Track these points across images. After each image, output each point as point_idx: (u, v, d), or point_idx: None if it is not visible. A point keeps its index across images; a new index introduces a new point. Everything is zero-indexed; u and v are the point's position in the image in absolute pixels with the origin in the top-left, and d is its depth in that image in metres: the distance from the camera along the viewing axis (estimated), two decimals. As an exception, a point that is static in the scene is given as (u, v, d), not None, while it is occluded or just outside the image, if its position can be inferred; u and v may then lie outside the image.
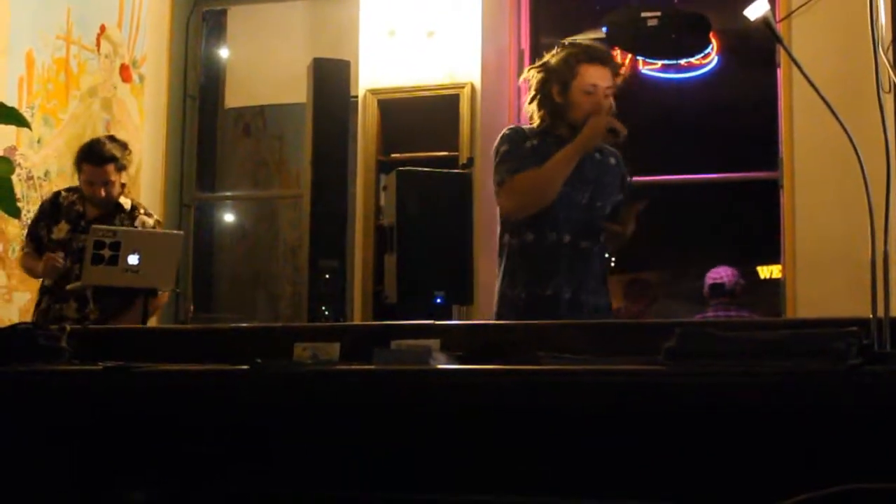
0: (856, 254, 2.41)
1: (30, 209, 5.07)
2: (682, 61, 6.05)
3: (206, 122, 7.00)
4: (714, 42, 6.05)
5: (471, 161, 5.65)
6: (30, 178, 5.56)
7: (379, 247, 5.57)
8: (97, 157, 4.47)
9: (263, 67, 6.70)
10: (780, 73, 5.56)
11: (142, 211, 4.60)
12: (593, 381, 2.09)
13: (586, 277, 3.41)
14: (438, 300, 3.32)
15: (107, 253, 3.85)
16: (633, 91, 3.57)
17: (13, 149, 5.44)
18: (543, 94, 3.47)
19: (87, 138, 5.77)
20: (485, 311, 5.27)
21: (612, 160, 3.55)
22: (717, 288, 5.62)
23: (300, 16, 6.66)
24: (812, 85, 2.23)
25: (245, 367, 2.34)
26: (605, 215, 3.46)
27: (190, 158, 6.81)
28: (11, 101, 5.02)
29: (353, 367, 2.34)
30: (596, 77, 3.40)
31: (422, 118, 5.87)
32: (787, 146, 5.46)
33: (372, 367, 2.30)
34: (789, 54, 2.54)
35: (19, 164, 5.43)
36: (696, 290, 6.14)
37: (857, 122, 2.18)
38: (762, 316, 5.84)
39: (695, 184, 5.87)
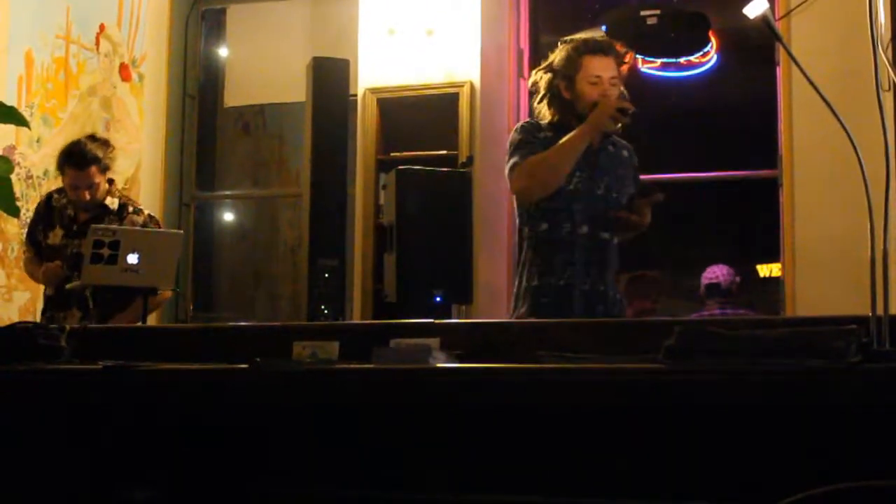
0: (855, 252, 2.41)
1: (29, 208, 5.07)
2: (682, 60, 6.05)
3: (206, 122, 7.00)
4: (713, 40, 6.05)
5: (470, 160, 5.64)
6: (29, 177, 5.56)
7: (378, 246, 5.57)
8: (79, 159, 4.40)
9: (263, 66, 6.69)
10: (779, 71, 5.56)
11: (131, 209, 4.54)
12: (593, 381, 2.09)
13: (603, 269, 3.44)
14: (438, 299, 3.32)
15: (106, 252, 3.84)
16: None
17: (12, 148, 5.44)
18: (552, 93, 3.51)
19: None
20: (484, 310, 5.29)
21: (625, 153, 3.60)
22: (714, 287, 5.62)
23: (299, 15, 6.65)
24: (811, 83, 2.23)
25: (245, 366, 2.34)
26: (620, 206, 3.49)
27: (189, 157, 6.81)
28: (11, 101, 5.03)
29: (352, 366, 2.34)
30: (599, 67, 3.45)
31: (421, 117, 5.87)
32: (786, 144, 5.46)
33: (371, 365, 2.30)
34: (788, 53, 2.54)
35: (18, 164, 5.43)
36: (695, 289, 6.14)
37: (856, 120, 2.18)
38: (761, 314, 5.83)
39: (694, 182, 5.87)
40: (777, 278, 5.75)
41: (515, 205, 3.62)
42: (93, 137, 4.60)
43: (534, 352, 2.32)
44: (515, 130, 3.57)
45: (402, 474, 2.17)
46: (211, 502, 2.31)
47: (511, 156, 3.49)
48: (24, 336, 2.66)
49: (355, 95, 5.82)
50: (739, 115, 6.12)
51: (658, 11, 5.86)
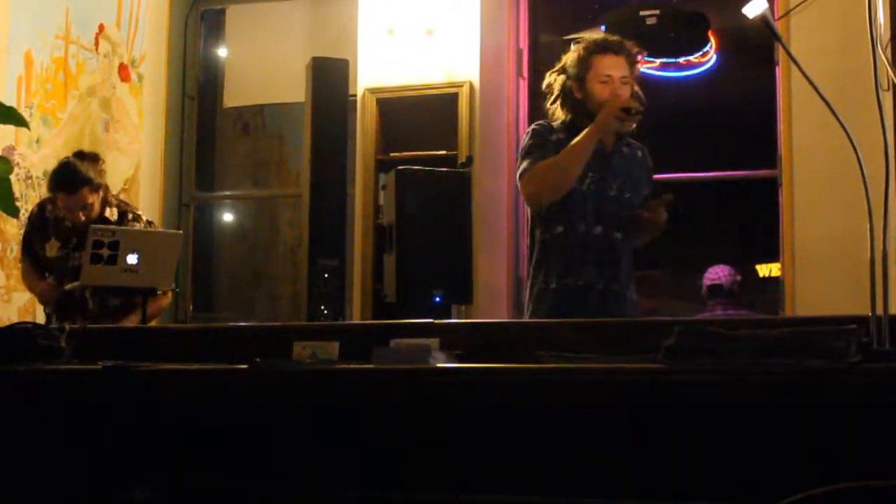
0: (855, 252, 2.41)
1: (28, 209, 5.06)
2: (681, 60, 6.05)
3: (205, 122, 7.00)
4: (713, 40, 6.05)
5: (470, 160, 5.64)
6: (28, 177, 5.56)
7: (378, 246, 5.57)
8: (69, 184, 4.30)
9: (262, 66, 6.69)
10: (778, 71, 5.56)
11: (130, 216, 4.48)
12: (593, 381, 2.09)
13: (617, 269, 3.45)
14: (437, 299, 3.32)
15: (105, 252, 3.84)
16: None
17: (12, 148, 5.44)
18: (564, 94, 3.53)
19: (85, 138, 5.81)
20: (484, 310, 5.29)
21: (640, 153, 3.60)
22: (716, 289, 5.61)
23: (299, 15, 6.65)
24: (811, 83, 2.23)
25: (244, 366, 2.34)
26: (634, 207, 3.49)
27: (189, 158, 6.81)
28: (10, 101, 5.03)
29: (352, 366, 2.34)
30: (609, 66, 3.45)
31: (421, 117, 5.87)
32: (785, 144, 5.46)
33: (371, 366, 2.30)
34: (788, 52, 2.54)
35: (18, 164, 5.43)
36: (695, 289, 6.14)
37: (855, 120, 2.18)
38: (761, 314, 5.83)
39: (693, 182, 5.87)
40: (777, 278, 5.75)
41: (528, 208, 3.63)
42: (81, 154, 4.49)
43: (533, 352, 2.32)
44: (527, 134, 3.58)
45: (402, 474, 2.17)
46: (211, 502, 2.31)
47: (521, 161, 3.50)
48: (23, 336, 2.66)
49: (355, 95, 5.82)
50: (739, 115, 6.11)
51: (657, 11, 5.86)
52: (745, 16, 2.30)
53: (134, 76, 6.36)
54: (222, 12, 6.92)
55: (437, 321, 2.74)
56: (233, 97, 6.87)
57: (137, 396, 2.41)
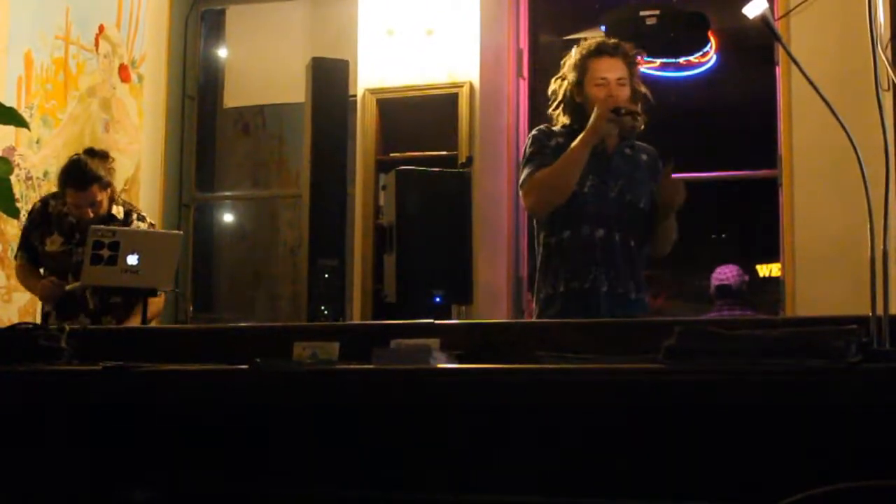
0: (855, 252, 2.41)
1: (28, 209, 5.06)
2: (681, 60, 6.05)
3: (205, 122, 7.00)
4: (713, 40, 6.05)
5: (470, 160, 5.64)
6: (28, 178, 5.57)
7: (378, 246, 5.57)
8: (79, 180, 4.32)
9: (262, 67, 6.69)
10: (778, 71, 5.56)
11: (135, 216, 4.50)
12: (593, 381, 2.09)
13: (622, 270, 3.44)
14: (437, 299, 3.32)
15: (106, 253, 3.84)
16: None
17: (12, 149, 5.44)
18: (565, 99, 3.54)
19: (85, 138, 5.80)
20: (484, 311, 5.29)
21: (645, 156, 3.60)
22: (724, 289, 5.60)
23: (299, 15, 6.65)
24: (811, 83, 2.23)
25: (245, 366, 2.34)
26: (638, 209, 3.49)
27: (189, 158, 6.81)
28: (10, 102, 5.03)
29: (352, 366, 2.34)
30: (605, 69, 3.47)
31: (421, 117, 5.87)
32: (785, 144, 5.46)
33: (371, 366, 2.30)
34: (788, 52, 2.54)
35: (18, 165, 5.43)
36: (695, 289, 6.14)
37: (855, 120, 2.18)
38: (761, 314, 5.83)
39: (693, 182, 5.83)
40: (777, 278, 5.75)
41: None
42: (91, 151, 4.52)
43: (533, 352, 2.32)
44: (529, 139, 3.59)
45: (402, 474, 2.17)
46: (211, 502, 2.31)
47: (522, 170, 3.52)
48: (24, 337, 2.66)
49: (355, 96, 5.82)
50: (739, 115, 6.11)
51: (657, 11, 5.86)
52: (745, 16, 2.30)
53: (134, 77, 6.36)
54: (222, 13, 6.92)
55: (437, 321, 2.74)
56: (233, 97, 6.87)
57: (138, 397, 2.41)
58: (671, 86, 6.08)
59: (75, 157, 4.47)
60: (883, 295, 2.03)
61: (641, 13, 5.87)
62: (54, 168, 5.39)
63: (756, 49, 5.85)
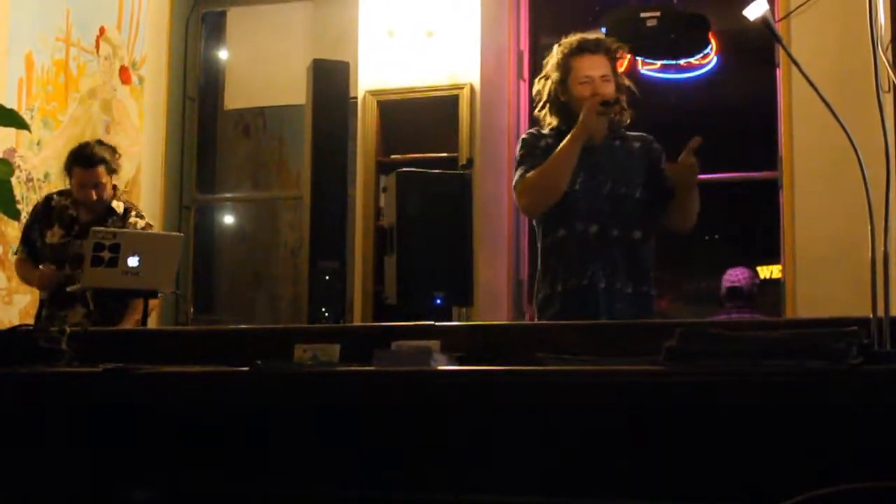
0: (855, 253, 2.41)
1: (29, 211, 5.07)
2: (682, 61, 6.05)
3: (206, 124, 7.00)
4: (713, 42, 6.04)
5: (470, 162, 5.64)
6: (29, 179, 5.57)
7: (379, 248, 5.57)
8: (86, 159, 4.48)
9: (263, 69, 6.69)
10: (779, 72, 5.56)
11: (133, 213, 4.59)
12: (593, 381, 2.09)
13: (620, 266, 3.42)
14: (438, 301, 3.32)
15: (106, 255, 3.84)
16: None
17: (13, 151, 5.44)
18: (550, 98, 3.54)
19: (86, 140, 5.79)
20: (484, 312, 5.29)
21: (637, 145, 3.57)
22: (735, 291, 5.58)
23: (299, 17, 6.65)
24: (811, 85, 2.23)
25: (245, 368, 2.34)
26: (634, 201, 3.47)
27: (190, 160, 6.81)
28: (11, 103, 5.03)
29: (353, 368, 2.34)
30: (588, 67, 3.47)
31: (421, 119, 5.87)
32: (786, 146, 5.46)
33: (372, 368, 2.30)
34: (788, 54, 2.54)
35: (19, 166, 5.44)
36: (696, 290, 6.14)
37: (856, 121, 2.18)
38: (763, 316, 5.82)
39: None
40: (777, 280, 5.75)
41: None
42: (100, 142, 4.70)
43: (534, 354, 2.32)
44: (519, 143, 3.59)
45: (403, 475, 2.16)
46: (211, 503, 2.31)
47: (515, 172, 3.52)
48: (24, 339, 2.66)
49: (355, 97, 5.82)
50: (739, 116, 6.11)
51: (658, 13, 5.86)
52: (745, 17, 2.30)
53: (135, 78, 6.36)
54: (223, 14, 6.92)
55: (437, 323, 2.74)
56: (233, 99, 6.87)
57: (138, 398, 2.41)
58: (672, 87, 6.08)
59: (84, 142, 4.69)
60: (884, 296, 2.03)
61: (642, 14, 5.87)
62: (55, 170, 5.41)
63: (756, 51, 5.85)
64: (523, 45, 6.12)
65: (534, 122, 3.65)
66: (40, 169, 5.62)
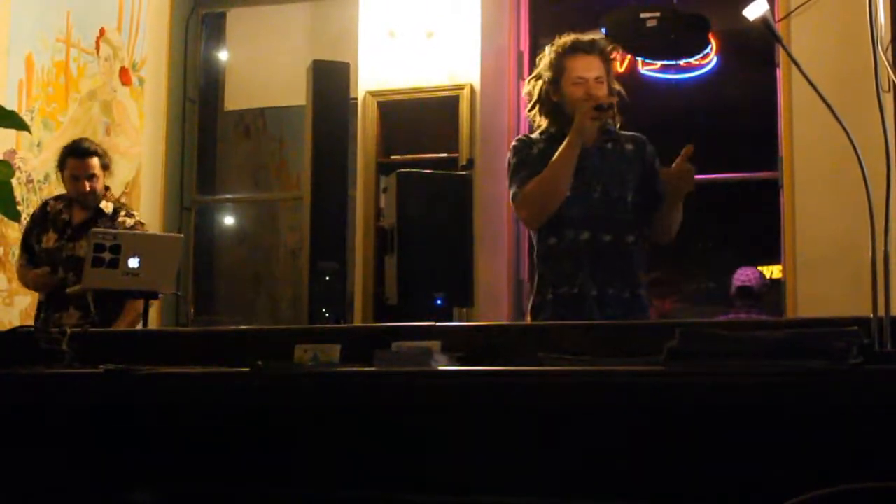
0: (856, 253, 2.41)
1: (29, 213, 5.07)
2: (682, 62, 6.05)
3: (206, 125, 7.00)
4: (713, 42, 6.04)
5: (471, 163, 5.65)
6: (30, 181, 5.57)
7: (379, 248, 5.57)
8: (80, 150, 4.59)
9: (263, 70, 6.70)
10: (779, 73, 5.56)
11: (123, 212, 4.64)
12: (593, 381, 2.09)
13: (612, 272, 3.37)
14: (438, 302, 3.32)
15: (107, 256, 3.84)
16: (631, 91, 3.55)
17: (13, 152, 5.44)
18: (541, 99, 3.48)
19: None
20: (485, 313, 5.29)
21: (630, 146, 3.49)
22: (745, 290, 5.57)
23: (299, 18, 6.66)
24: (812, 85, 2.23)
25: (246, 369, 2.34)
26: (627, 204, 3.42)
27: (190, 161, 6.81)
28: (11, 105, 5.04)
29: (353, 368, 2.34)
30: (582, 68, 3.41)
31: (422, 120, 5.88)
32: (786, 146, 5.46)
33: (373, 368, 2.30)
34: (789, 54, 2.54)
35: (19, 168, 5.44)
36: (696, 291, 6.14)
37: (856, 121, 2.18)
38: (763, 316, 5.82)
39: (694, 184, 5.86)
40: (778, 280, 5.75)
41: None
42: (92, 141, 4.81)
43: (535, 354, 2.32)
44: (510, 152, 3.51)
45: (402, 475, 2.16)
46: (211, 503, 2.31)
47: (510, 183, 3.45)
48: (25, 340, 2.66)
49: (355, 98, 5.82)
50: (740, 116, 6.11)
51: (658, 13, 5.85)
52: (745, 18, 2.30)
53: (135, 80, 6.36)
54: (223, 16, 6.93)
55: (438, 324, 2.74)
56: (234, 100, 6.88)
57: (138, 399, 2.41)
58: (672, 88, 6.08)
59: (77, 138, 4.82)
60: (884, 296, 2.03)
61: (642, 15, 5.86)
62: (55, 171, 5.41)
63: (757, 51, 5.85)
64: (523, 45, 6.13)
65: (532, 124, 3.62)
66: (40, 170, 5.62)
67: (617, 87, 3.48)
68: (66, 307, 4.43)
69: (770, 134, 5.60)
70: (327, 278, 4.65)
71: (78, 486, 2.39)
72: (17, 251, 5.23)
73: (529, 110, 3.55)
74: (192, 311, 6.67)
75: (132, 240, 4.00)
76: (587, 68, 3.41)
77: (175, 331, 5.15)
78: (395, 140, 5.95)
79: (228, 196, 7.21)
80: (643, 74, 6.02)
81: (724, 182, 6.02)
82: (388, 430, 2.19)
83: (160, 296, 4.30)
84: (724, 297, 5.81)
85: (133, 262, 3.85)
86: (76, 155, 4.57)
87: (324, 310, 4.57)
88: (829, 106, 2.18)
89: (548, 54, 3.50)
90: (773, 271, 6.07)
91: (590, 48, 3.45)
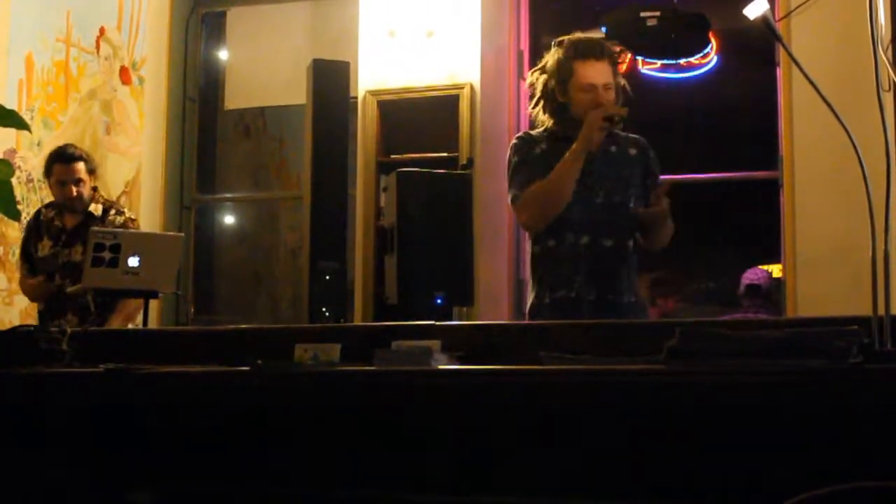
0: (856, 252, 2.41)
1: (30, 212, 5.08)
2: (682, 61, 6.04)
3: (206, 124, 7.00)
4: (713, 41, 6.04)
5: (471, 162, 5.64)
6: (30, 180, 5.57)
7: (379, 248, 5.57)
8: (66, 156, 4.60)
9: (263, 69, 6.70)
10: (779, 72, 5.56)
11: (113, 211, 4.66)
12: (593, 381, 2.09)
13: (611, 277, 3.35)
14: (439, 301, 3.32)
15: (107, 255, 3.84)
16: (632, 91, 3.54)
17: (13, 151, 5.44)
18: (546, 96, 3.44)
19: (86, 141, 5.82)
20: (485, 312, 5.29)
21: (633, 150, 3.47)
22: (754, 289, 5.57)
23: (299, 17, 6.66)
24: (812, 84, 2.23)
25: (246, 368, 2.34)
26: (628, 209, 3.39)
27: (190, 160, 6.81)
28: (11, 104, 5.03)
29: (353, 368, 2.34)
30: (591, 74, 3.36)
31: (421, 119, 5.87)
32: (786, 145, 5.46)
33: (372, 368, 2.30)
34: (789, 53, 2.54)
35: (19, 167, 5.44)
36: (696, 290, 6.14)
37: (856, 121, 2.18)
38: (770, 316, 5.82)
39: (694, 184, 5.87)
40: (778, 279, 5.75)
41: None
42: (76, 147, 4.84)
43: (535, 353, 2.32)
44: (510, 148, 3.48)
45: (403, 475, 2.16)
46: (211, 503, 2.31)
47: (510, 183, 3.42)
48: (25, 339, 2.66)
49: (355, 97, 5.83)
50: (740, 116, 6.11)
51: (658, 13, 5.85)
52: (745, 17, 2.30)
53: (135, 79, 6.36)
54: (223, 15, 6.93)
55: (438, 323, 2.74)
56: (234, 99, 6.88)
57: (138, 399, 2.41)
58: (672, 87, 6.08)
59: (61, 145, 4.84)
60: (884, 295, 2.03)
61: (642, 14, 5.86)
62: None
63: (757, 50, 5.85)
64: (523, 45, 6.13)
65: (534, 122, 3.61)
66: (40, 170, 5.60)
67: (623, 82, 3.44)
68: (65, 313, 4.44)
69: (770, 133, 5.60)
70: (327, 278, 4.65)
71: (78, 486, 2.39)
72: (16, 251, 5.24)
73: (533, 107, 3.50)
74: (192, 310, 6.68)
75: (132, 239, 4.00)
76: (597, 75, 3.36)
77: (175, 330, 5.15)
78: (394, 139, 5.94)
79: (228, 195, 7.21)
80: (643, 74, 6.02)
81: (724, 181, 6.02)
82: (388, 430, 2.18)
83: (160, 295, 4.30)
84: (724, 296, 5.81)
85: (133, 262, 3.86)
86: (62, 160, 4.59)
87: (324, 309, 4.58)
88: (829, 105, 2.18)
89: (555, 52, 3.45)
90: (773, 271, 6.07)
91: (600, 54, 3.39)
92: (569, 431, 2.06)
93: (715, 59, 6.07)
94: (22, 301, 5.38)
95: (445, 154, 5.73)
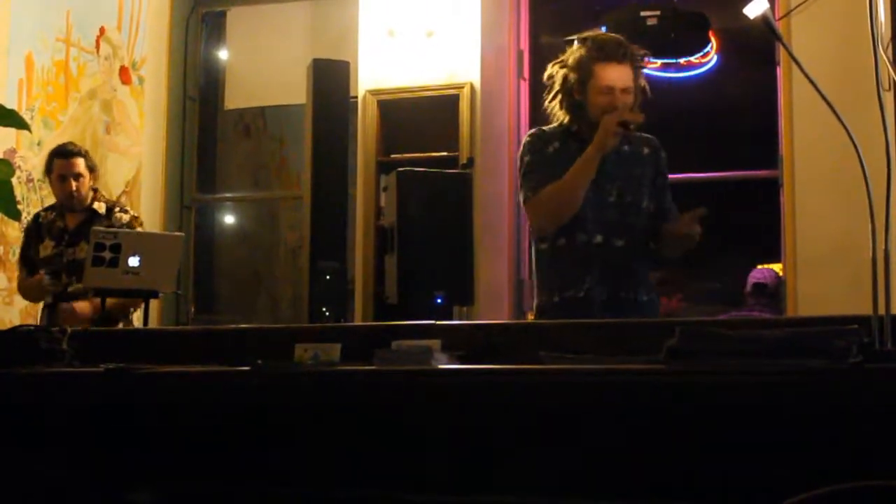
0: (856, 252, 2.41)
1: (30, 212, 5.09)
2: (682, 60, 6.05)
3: (206, 124, 7.00)
4: (713, 41, 6.04)
5: (471, 161, 5.64)
6: (30, 180, 5.57)
7: (379, 247, 5.57)
8: (66, 151, 4.64)
9: (263, 68, 6.70)
10: (779, 71, 5.56)
11: (117, 209, 4.68)
12: (593, 381, 2.09)
13: (623, 276, 3.32)
14: (439, 300, 3.32)
15: (107, 255, 3.85)
16: (645, 93, 3.50)
17: (13, 151, 5.44)
18: (564, 91, 3.39)
19: (87, 140, 5.82)
20: (485, 312, 5.29)
21: (646, 150, 3.45)
22: (761, 288, 5.57)
23: (299, 17, 6.66)
24: (812, 83, 2.23)
25: (246, 368, 2.34)
26: (641, 210, 3.38)
27: (190, 160, 6.81)
28: (11, 104, 5.03)
29: (353, 367, 2.34)
30: (611, 77, 3.31)
31: (421, 118, 5.87)
32: (786, 145, 5.46)
33: (373, 367, 2.30)
34: (789, 52, 2.53)
35: (19, 167, 5.44)
36: (697, 290, 6.13)
37: (857, 120, 2.18)
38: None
39: (694, 183, 5.86)
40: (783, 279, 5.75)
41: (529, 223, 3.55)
42: (76, 144, 4.87)
43: (535, 353, 2.32)
44: (523, 147, 3.44)
45: (403, 475, 2.16)
46: (211, 503, 2.31)
47: (522, 183, 3.39)
48: (25, 339, 2.66)
49: (355, 97, 5.83)
50: (740, 115, 6.11)
51: (658, 12, 5.86)
52: (745, 16, 2.30)
53: (135, 79, 6.36)
54: (223, 14, 6.93)
55: (438, 322, 2.74)
56: (234, 99, 6.88)
57: (139, 398, 2.41)
58: (672, 86, 6.07)
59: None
60: (884, 295, 2.03)
61: (642, 13, 5.87)
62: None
63: (757, 49, 5.85)
64: (523, 44, 6.12)
65: (534, 121, 3.61)
66: (40, 169, 5.60)
67: (644, 84, 3.40)
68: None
69: (770, 132, 5.60)
70: (327, 277, 4.65)
71: (78, 486, 2.39)
72: (17, 251, 5.24)
73: (550, 101, 3.44)
74: (193, 309, 6.68)
75: (132, 239, 4.00)
76: (616, 78, 3.32)
77: (175, 330, 5.15)
78: (395, 139, 5.94)
79: (228, 195, 7.21)
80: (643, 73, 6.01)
81: (724, 181, 6.02)
82: (388, 429, 2.18)
83: (160, 295, 4.30)
84: (726, 296, 5.81)
85: (133, 261, 3.86)
86: (62, 156, 4.62)
87: (324, 308, 4.57)
88: (829, 104, 2.18)
89: (578, 49, 3.39)
90: (778, 270, 6.07)
91: (622, 57, 3.34)
92: (569, 431, 2.06)
93: (715, 58, 6.07)
94: (22, 301, 5.38)
95: (445, 154, 5.73)
